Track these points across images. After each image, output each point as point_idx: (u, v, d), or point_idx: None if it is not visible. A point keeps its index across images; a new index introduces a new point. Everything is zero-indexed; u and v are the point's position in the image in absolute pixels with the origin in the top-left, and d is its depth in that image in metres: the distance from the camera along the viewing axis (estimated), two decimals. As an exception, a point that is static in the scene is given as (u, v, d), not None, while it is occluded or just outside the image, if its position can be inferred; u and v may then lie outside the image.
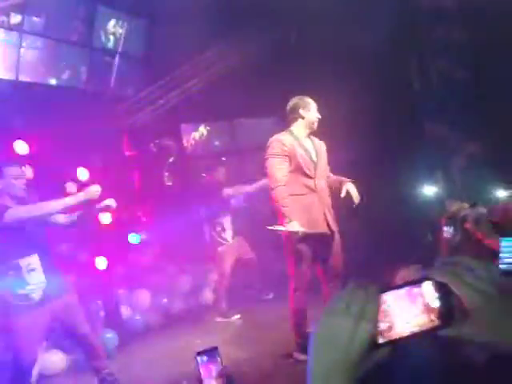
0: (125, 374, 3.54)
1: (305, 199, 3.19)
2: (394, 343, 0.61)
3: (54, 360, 3.78)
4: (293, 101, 3.33)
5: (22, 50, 5.23)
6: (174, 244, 5.37)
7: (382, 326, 0.61)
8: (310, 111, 3.29)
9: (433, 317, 0.62)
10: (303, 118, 3.28)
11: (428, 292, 0.63)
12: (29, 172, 4.08)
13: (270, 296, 5.20)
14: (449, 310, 0.62)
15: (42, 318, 2.52)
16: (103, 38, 6.04)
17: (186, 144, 6.87)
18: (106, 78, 6.13)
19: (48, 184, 4.51)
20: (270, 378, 3.16)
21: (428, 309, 0.63)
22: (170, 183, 6.52)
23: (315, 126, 3.33)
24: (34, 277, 2.51)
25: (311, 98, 3.34)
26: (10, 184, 2.64)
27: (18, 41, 5.16)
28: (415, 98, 6.34)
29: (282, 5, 5.55)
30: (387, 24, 5.29)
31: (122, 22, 6.11)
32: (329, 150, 3.44)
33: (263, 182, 4.49)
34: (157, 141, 6.48)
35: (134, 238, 5.40)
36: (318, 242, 3.18)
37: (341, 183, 3.25)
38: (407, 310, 0.63)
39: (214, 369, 1.20)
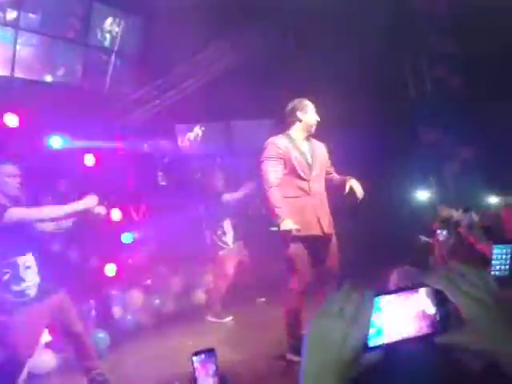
0: (116, 373, 3.52)
1: (298, 202, 3.19)
2: (384, 347, 0.62)
3: (44, 359, 3.75)
4: (291, 103, 3.34)
5: (18, 46, 5.20)
6: (166, 244, 5.35)
7: (374, 329, 0.61)
8: (307, 113, 3.29)
9: (425, 324, 0.63)
10: (300, 120, 3.29)
11: (423, 299, 0.63)
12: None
13: (263, 299, 5.23)
14: (444, 318, 0.62)
15: (37, 315, 2.53)
16: (99, 35, 6.02)
17: (180, 144, 6.86)
18: (102, 75, 6.11)
19: (42, 182, 4.50)
20: (264, 379, 3.16)
21: (421, 315, 0.63)
22: (163, 183, 6.51)
23: (313, 128, 3.33)
24: (29, 274, 2.52)
25: (310, 99, 3.34)
26: (3, 182, 2.62)
27: (13, 37, 5.13)
28: (410, 104, 6.38)
29: (279, 5, 5.57)
30: (384, 31, 5.33)
31: (118, 20, 6.08)
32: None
33: (249, 186, 4.53)
34: (151, 140, 6.46)
35: (126, 238, 5.38)
36: (312, 244, 3.19)
37: (344, 181, 3.26)
38: (400, 316, 0.63)
39: (211, 370, 1.21)
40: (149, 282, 5.31)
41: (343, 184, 3.27)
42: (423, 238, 3.91)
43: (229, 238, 4.79)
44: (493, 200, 4.61)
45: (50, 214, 2.57)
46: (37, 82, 5.46)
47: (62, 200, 3.01)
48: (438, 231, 2.44)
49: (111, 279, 4.96)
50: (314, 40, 5.65)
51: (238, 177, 5.78)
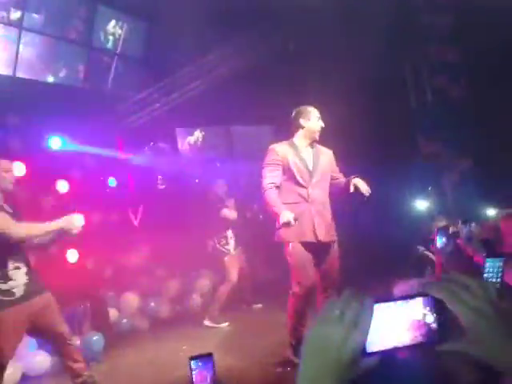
0: (110, 376, 3.50)
1: (296, 208, 3.18)
2: (381, 353, 0.62)
3: (37, 360, 3.72)
4: (295, 110, 3.35)
5: (21, 46, 5.21)
6: (163, 248, 5.34)
7: (372, 336, 0.62)
8: (310, 120, 3.29)
9: (420, 332, 0.63)
10: (303, 127, 3.30)
11: (420, 307, 0.64)
12: (22, 169, 4.05)
13: (260, 305, 5.24)
14: (443, 327, 0.63)
15: (22, 314, 2.52)
16: (102, 37, 6.04)
17: (180, 148, 6.86)
18: (104, 77, 6.13)
19: (39, 182, 4.48)
20: (260, 384, 3.15)
21: (417, 324, 0.63)
22: (163, 187, 6.51)
23: (317, 135, 3.33)
24: (17, 274, 2.53)
25: (314, 106, 3.34)
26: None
27: (16, 37, 5.14)
28: (410, 115, 6.41)
29: (281, 10, 5.60)
30: (384, 38, 5.37)
31: (121, 23, 6.11)
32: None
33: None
34: (152, 143, 6.47)
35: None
36: (311, 250, 3.18)
37: (348, 181, 3.25)
38: (397, 323, 0.63)
39: (208, 374, 1.20)
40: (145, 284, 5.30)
41: (348, 184, 3.26)
42: (421, 249, 3.90)
43: (231, 245, 4.92)
44: (491, 212, 4.63)
45: (46, 231, 2.59)
46: (38, 83, 5.47)
47: (62, 200, 3.00)
48: (437, 238, 2.44)
49: (107, 281, 4.95)
50: (315, 47, 5.68)
51: (237, 182, 5.81)
